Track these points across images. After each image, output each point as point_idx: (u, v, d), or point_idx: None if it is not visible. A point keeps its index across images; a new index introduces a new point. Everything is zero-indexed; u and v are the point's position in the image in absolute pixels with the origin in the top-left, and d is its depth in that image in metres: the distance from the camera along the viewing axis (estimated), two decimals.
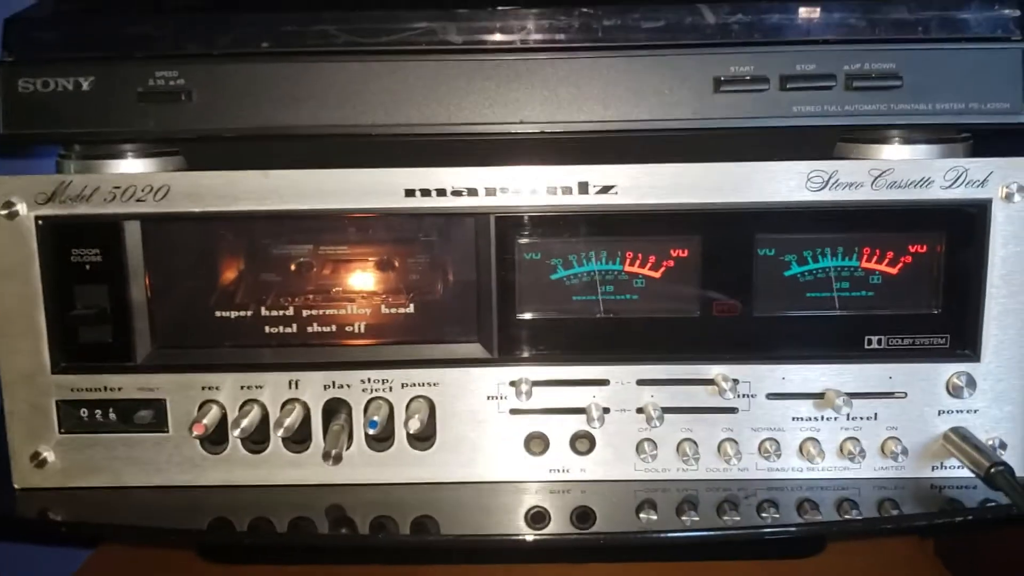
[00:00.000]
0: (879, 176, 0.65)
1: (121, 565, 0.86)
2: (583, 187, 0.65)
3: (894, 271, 0.67)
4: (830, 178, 0.65)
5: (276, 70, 0.63)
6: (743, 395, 0.67)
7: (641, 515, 0.64)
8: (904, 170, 0.65)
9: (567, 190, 0.65)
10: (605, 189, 0.65)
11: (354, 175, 0.64)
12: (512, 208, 0.65)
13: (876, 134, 0.67)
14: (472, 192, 0.65)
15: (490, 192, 0.65)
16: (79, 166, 0.67)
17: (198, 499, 0.67)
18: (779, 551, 0.88)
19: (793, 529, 0.64)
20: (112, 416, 0.67)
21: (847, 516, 0.65)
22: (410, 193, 0.65)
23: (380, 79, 0.63)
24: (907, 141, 0.67)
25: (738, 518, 0.64)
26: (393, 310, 0.70)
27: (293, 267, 0.71)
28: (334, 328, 0.68)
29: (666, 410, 0.66)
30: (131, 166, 0.68)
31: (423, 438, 0.68)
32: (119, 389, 0.67)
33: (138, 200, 0.65)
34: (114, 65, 0.63)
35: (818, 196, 0.65)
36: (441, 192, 0.65)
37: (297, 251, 0.71)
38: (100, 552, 0.89)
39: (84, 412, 0.67)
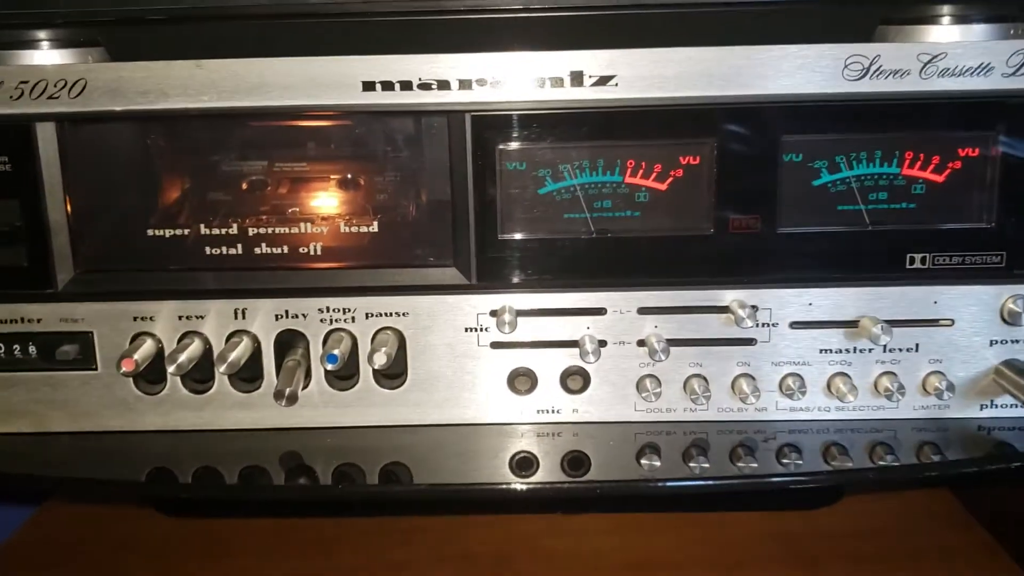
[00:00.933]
0: (929, 62, 0.56)
1: (67, 526, 0.78)
2: (576, 78, 0.57)
3: (940, 178, 0.60)
4: (871, 65, 0.56)
5: None
6: (762, 324, 0.61)
7: (643, 461, 0.59)
8: (959, 55, 0.56)
9: (557, 82, 0.57)
10: (603, 80, 0.57)
11: (303, 65, 0.57)
12: (492, 105, 0.58)
13: (925, 12, 0.58)
14: (443, 85, 0.57)
15: (465, 85, 0.57)
16: None
17: (134, 446, 0.62)
18: (789, 501, 0.80)
19: (821, 477, 0.57)
20: (31, 352, 0.62)
21: (881, 463, 0.58)
22: (369, 86, 0.57)
23: None
24: (962, 20, 0.58)
25: (755, 465, 0.59)
26: (356, 229, 0.62)
27: (238, 177, 0.63)
28: (287, 249, 0.62)
29: (672, 342, 0.61)
30: (42, 57, 0.59)
31: (392, 375, 0.63)
32: (38, 321, 0.61)
33: (51, 98, 0.57)
34: None
35: (856, 87, 0.57)
36: (406, 85, 0.57)
37: (244, 161, 0.63)
38: (42, 512, 0.80)
39: None
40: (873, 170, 0.59)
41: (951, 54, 0.56)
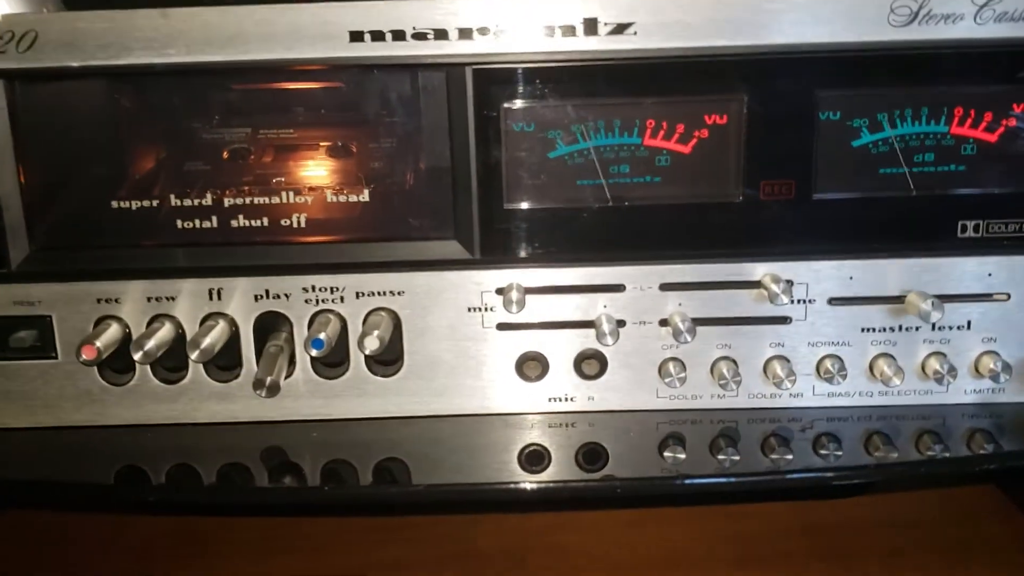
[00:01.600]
0: (985, 5, 0.53)
1: (31, 525, 0.73)
2: (590, 26, 0.53)
3: (993, 138, 0.56)
4: (920, 8, 0.53)
5: None
6: (798, 300, 0.58)
7: (666, 453, 0.57)
8: None
9: (569, 30, 0.53)
10: (620, 28, 0.53)
11: (283, 13, 0.53)
12: (495, 57, 0.54)
13: None
14: (441, 35, 0.53)
15: (465, 35, 0.53)
16: None
17: (100, 443, 0.59)
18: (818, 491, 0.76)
19: (865, 473, 0.53)
20: None
21: (930, 453, 0.55)
22: (357, 37, 0.53)
23: None
24: None
25: (790, 457, 0.55)
26: (344, 199, 0.57)
27: (213, 144, 0.58)
28: (266, 222, 0.58)
29: (697, 321, 0.57)
30: None
31: (386, 361, 0.59)
32: None
33: None
34: None
35: (902, 34, 0.53)
36: (399, 35, 0.53)
37: (218, 123, 0.58)
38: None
39: None
40: (919, 129, 0.56)
41: None
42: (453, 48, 0.53)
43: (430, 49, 0.53)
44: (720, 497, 0.69)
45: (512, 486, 0.54)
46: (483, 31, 0.52)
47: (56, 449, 0.58)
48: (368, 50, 0.52)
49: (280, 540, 0.70)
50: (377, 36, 0.52)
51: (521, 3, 0.52)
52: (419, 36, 0.52)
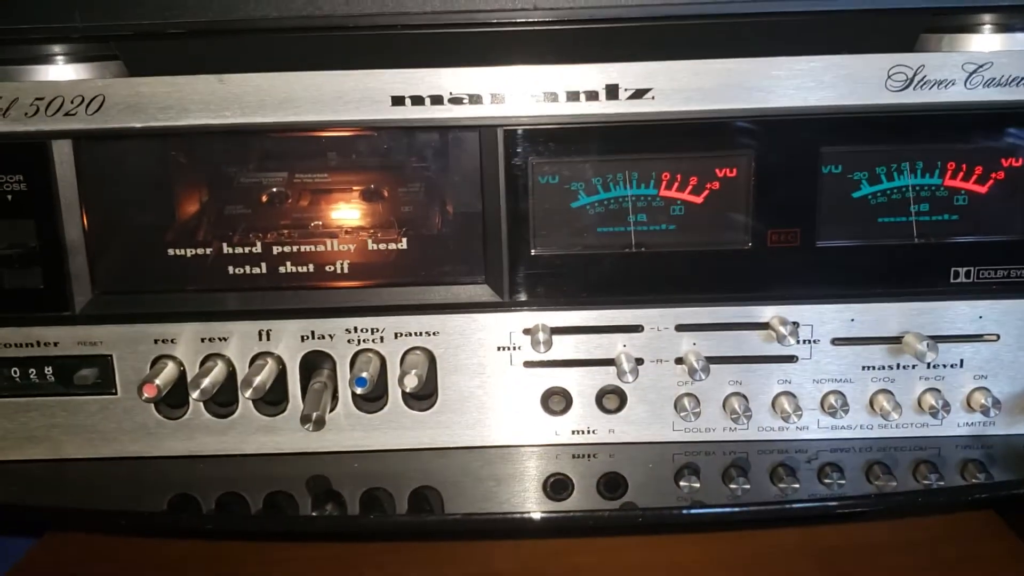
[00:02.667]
0: (974, 72, 0.55)
1: (74, 553, 0.76)
2: (612, 91, 0.55)
3: (983, 189, 0.59)
4: (915, 75, 0.55)
5: None
6: (803, 341, 0.59)
7: (681, 483, 0.58)
8: (1004, 64, 0.55)
9: (592, 96, 0.55)
10: (639, 93, 0.55)
11: (330, 79, 0.55)
12: (524, 119, 0.56)
13: (967, 20, 0.57)
14: (475, 99, 0.55)
15: (497, 99, 0.55)
16: None
17: (154, 473, 0.60)
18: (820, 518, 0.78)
19: (866, 502, 0.55)
20: (49, 376, 0.60)
21: (926, 482, 0.57)
22: (398, 101, 0.55)
23: None
24: (1005, 29, 0.57)
25: (796, 486, 0.57)
26: (383, 246, 0.60)
27: (262, 196, 0.61)
28: (312, 268, 0.60)
29: (711, 360, 0.59)
30: (58, 73, 0.57)
31: (422, 397, 0.61)
32: (55, 344, 0.59)
33: (67, 114, 0.55)
34: None
35: (899, 98, 0.55)
36: (437, 100, 0.55)
37: (267, 176, 0.61)
38: (47, 540, 0.78)
39: (15, 372, 0.59)
40: (915, 181, 0.58)
41: (996, 63, 0.54)
42: (486, 111, 0.55)
43: (465, 112, 0.55)
44: (732, 524, 0.70)
45: (538, 516, 0.55)
46: (513, 96, 0.55)
47: (114, 478, 0.59)
48: (407, 113, 0.55)
49: (308, 562, 0.73)
50: (417, 100, 0.55)
51: (548, 71, 0.55)
52: (455, 101, 0.55)
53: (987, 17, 0.56)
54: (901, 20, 0.55)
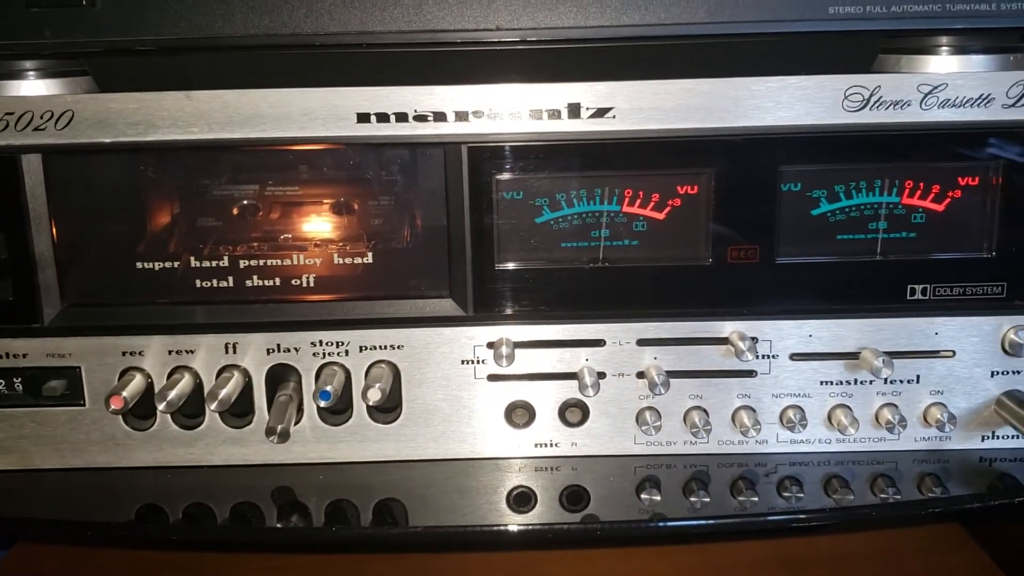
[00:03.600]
0: (930, 93, 0.56)
1: (46, 563, 0.76)
2: (574, 110, 0.56)
3: (940, 208, 0.59)
4: (871, 96, 0.56)
5: None
6: (763, 356, 0.60)
7: (643, 495, 0.59)
8: (960, 85, 0.56)
9: (555, 114, 0.56)
10: (600, 112, 0.56)
11: (296, 96, 0.56)
12: (488, 136, 0.57)
13: (924, 42, 0.58)
14: (440, 117, 0.56)
15: (461, 117, 0.56)
16: None
17: (123, 484, 0.61)
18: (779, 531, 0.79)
19: (823, 516, 0.56)
20: (17, 387, 0.60)
21: (883, 495, 0.58)
22: (364, 118, 0.56)
23: None
24: (961, 51, 0.57)
25: (755, 499, 0.58)
26: (348, 260, 0.61)
27: (229, 209, 0.61)
28: (278, 282, 0.60)
29: (672, 374, 0.60)
30: (28, 88, 0.58)
31: (386, 410, 0.61)
32: (24, 356, 0.60)
33: (37, 129, 0.56)
34: None
35: (856, 118, 0.56)
36: (402, 117, 0.56)
37: (233, 190, 0.62)
38: (18, 550, 0.78)
39: None
40: (873, 199, 0.59)
41: (951, 85, 0.55)
42: (450, 128, 0.56)
43: (430, 129, 0.55)
44: (693, 537, 0.71)
45: (501, 528, 0.56)
46: (477, 114, 0.55)
47: (82, 489, 0.60)
48: (373, 130, 0.55)
49: (277, 569, 0.73)
50: (382, 118, 0.55)
51: (512, 89, 0.55)
52: (420, 118, 0.55)
53: (943, 39, 0.57)
54: (858, 42, 0.56)
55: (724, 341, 0.59)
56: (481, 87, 0.55)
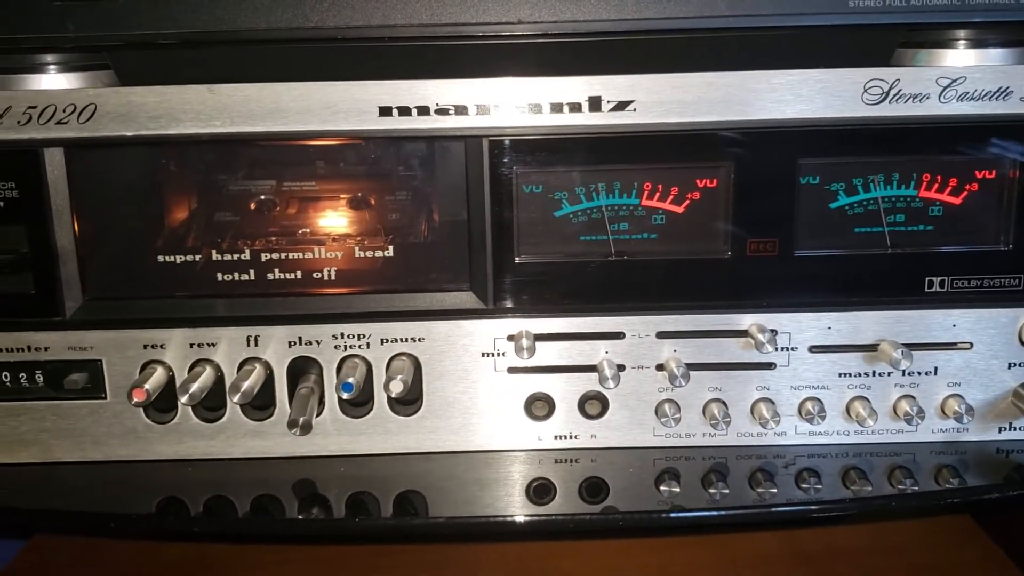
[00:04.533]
0: (949, 86, 0.56)
1: (63, 556, 0.76)
2: (595, 103, 0.56)
3: (958, 201, 0.59)
4: (891, 89, 0.56)
5: None
6: (781, 348, 0.60)
7: (661, 487, 0.59)
8: (978, 79, 0.56)
9: (575, 107, 0.56)
10: (621, 105, 0.56)
11: (318, 89, 0.56)
12: (509, 130, 0.57)
13: (943, 36, 0.58)
14: (461, 110, 0.56)
15: (482, 110, 0.56)
16: None
17: (143, 477, 0.60)
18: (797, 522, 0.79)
19: (842, 505, 0.56)
20: (39, 380, 0.60)
21: (900, 487, 0.58)
22: (385, 112, 0.56)
23: None
24: (979, 44, 0.58)
25: (774, 490, 0.58)
26: (370, 253, 0.61)
27: (250, 203, 0.61)
28: (299, 275, 0.60)
29: (691, 366, 0.60)
30: (50, 82, 0.58)
31: (407, 402, 0.61)
32: (45, 349, 0.60)
33: (59, 123, 0.56)
34: None
35: (875, 111, 0.56)
36: (423, 110, 0.56)
37: (255, 184, 0.61)
38: (36, 543, 0.78)
39: (6, 376, 0.60)
40: (891, 192, 0.59)
41: (970, 78, 0.56)
42: (472, 122, 0.56)
43: (451, 123, 0.56)
44: (711, 528, 0.71)
45: (521, 519, 0.56)
46: (499, 107, 0.56)
47: (103, 481, 0.60)
48: (395, 123, 0.56)
49: (295, 563, 0.73)
50: (403, 111, 0.55)
51: (533, 83, 0.55)
52: (441, 111, 0.56)
53: (961, 33, 0.57)
54: (877, 35, 0.56)
55: (743, 334, 0.60)
56: (502, 80, 0.56)
